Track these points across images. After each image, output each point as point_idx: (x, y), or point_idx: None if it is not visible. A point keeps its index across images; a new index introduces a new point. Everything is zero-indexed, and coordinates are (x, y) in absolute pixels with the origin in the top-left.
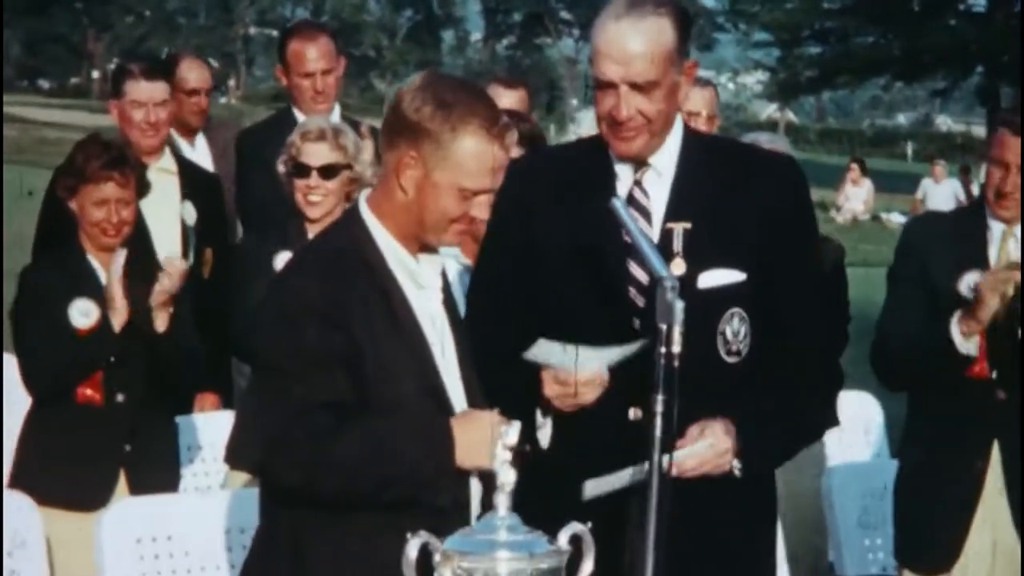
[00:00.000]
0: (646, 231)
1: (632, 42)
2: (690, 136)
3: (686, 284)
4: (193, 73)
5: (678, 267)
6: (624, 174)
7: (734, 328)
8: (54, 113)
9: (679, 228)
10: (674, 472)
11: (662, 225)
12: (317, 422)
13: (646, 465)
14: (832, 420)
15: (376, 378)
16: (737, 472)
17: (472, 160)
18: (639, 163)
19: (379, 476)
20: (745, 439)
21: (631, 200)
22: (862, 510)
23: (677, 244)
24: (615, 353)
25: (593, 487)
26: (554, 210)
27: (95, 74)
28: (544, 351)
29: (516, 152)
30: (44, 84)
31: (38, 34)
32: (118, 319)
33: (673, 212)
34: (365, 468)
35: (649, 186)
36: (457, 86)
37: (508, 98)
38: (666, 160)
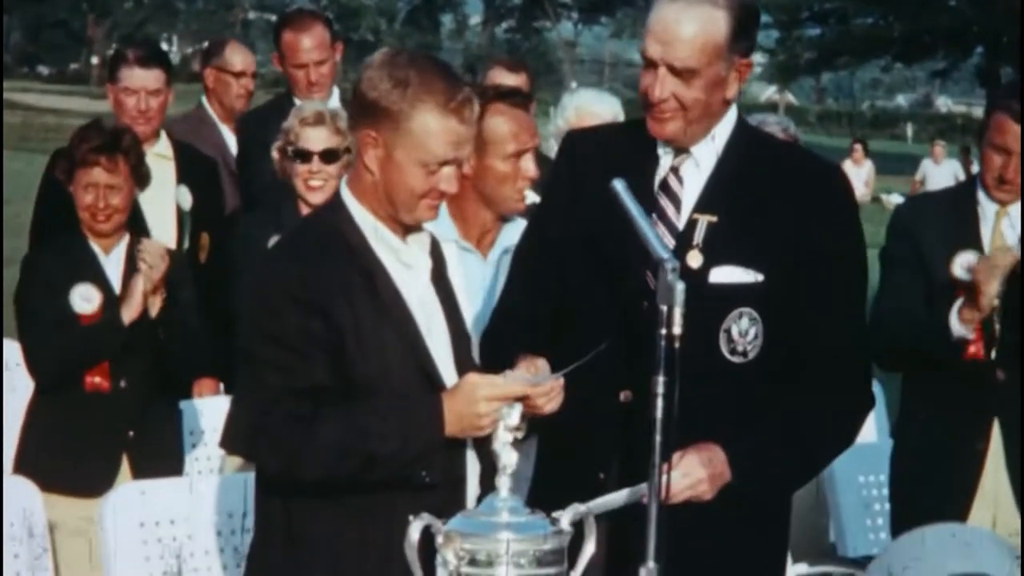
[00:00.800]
0: (673, 219)
1: (679, 26)
2: (743, 132)
3: (698, 277)
4: (238, 56)
5: (694, 259)
6: (665, 160)
7: (741, 328)
8: (53, 99)
9: (704, 220)
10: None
11: (689, 215)
12: (295, 409)
13: (642, 487)
14: (849, 439)
15: (362, 360)
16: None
17: (430, 137)
18: (680, 150)
19: (363, 456)
20: (737, 464)
21: (664, 186)
22: (863, 490)
23: (698, 236)
24: (561, 375)
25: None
26: (596, 186)
27: (94, 60)
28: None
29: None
30: (44, 70)
31: (38, 20)
32: (130, 313)
33: (703, 204)
34: (347, 449)
35: (686, 174)
36: (413, 62)
37: (511, 81)
38: (709, 151)
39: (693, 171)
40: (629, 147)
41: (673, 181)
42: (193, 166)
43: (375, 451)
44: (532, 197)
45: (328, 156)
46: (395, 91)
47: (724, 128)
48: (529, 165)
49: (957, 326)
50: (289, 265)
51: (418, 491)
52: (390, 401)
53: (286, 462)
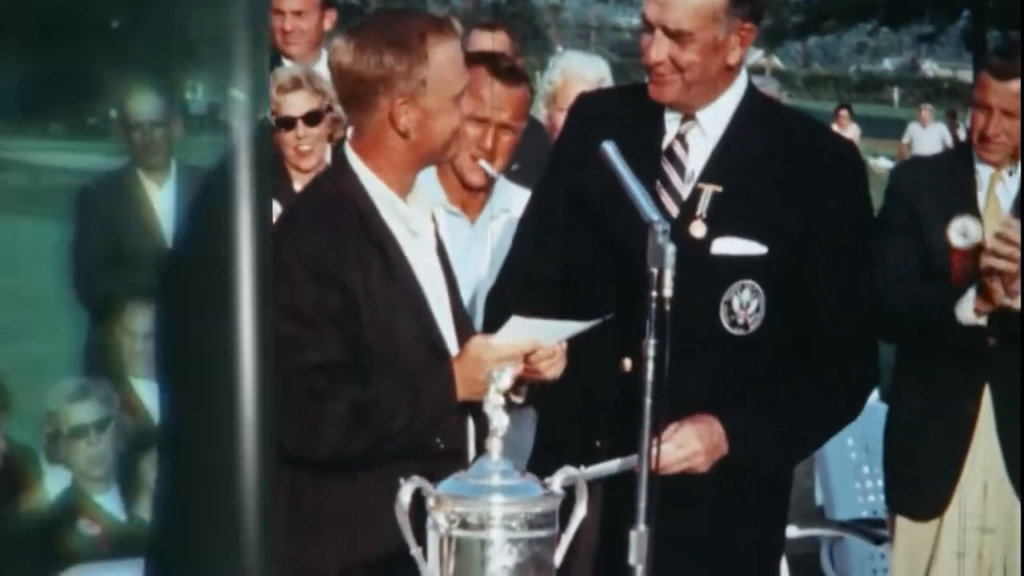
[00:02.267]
0: (677, 187)
1: None
2: (753, 100)
3: (700, 248)
4: None
5: (698, 229)
6: (671, 126)
7: (743, 300)
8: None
9: (709, 190)
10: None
11: (695, 184)
12: (309, 385)
13: (634, 457)
14: (852, 415)
15: (374, 331)
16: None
17: (448, 67)
18: (687, 117)
19: (377, 430)
20: (735, 437)
21: (669, 153)
22: (852, 453)
23: (702, 206)
24: (572, 327)
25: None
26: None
27: None
28: (514, 329)
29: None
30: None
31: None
32: None
33: (709, 173)
34: (361, 425)
35: (692, 142)
36: (383, 22)
37: (490, 41)
38: (715, 119)
39: (699, 139)
40: (637, 112)
41: (679, 148)
42: None
43: (389, 425)
44: (488, 169)
45: (311, 119)
46: (395, 52)
47: (732, 96)
48: (487, 137)
49: (970, 316)
50: (305, 237)
51: (426, 462)
52: (401, 373)
53: (301, 439)
